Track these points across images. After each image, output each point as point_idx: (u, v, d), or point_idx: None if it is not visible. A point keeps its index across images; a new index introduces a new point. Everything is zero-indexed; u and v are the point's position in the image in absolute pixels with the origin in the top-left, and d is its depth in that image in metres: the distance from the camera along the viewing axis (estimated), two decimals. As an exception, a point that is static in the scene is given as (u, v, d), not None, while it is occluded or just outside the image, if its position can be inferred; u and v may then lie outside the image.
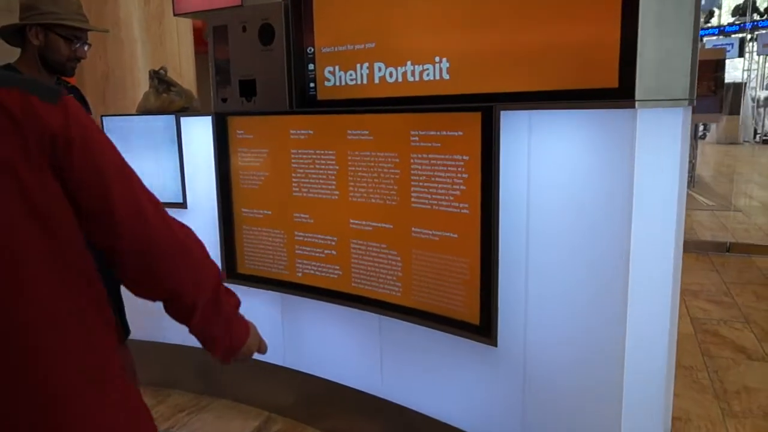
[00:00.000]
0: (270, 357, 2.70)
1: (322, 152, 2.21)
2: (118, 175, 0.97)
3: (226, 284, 1.12)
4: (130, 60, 5.54)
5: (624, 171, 1.55)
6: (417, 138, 1.96)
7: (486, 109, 1.77)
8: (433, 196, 1.95)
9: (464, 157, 1.85)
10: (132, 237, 0.97)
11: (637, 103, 1.47)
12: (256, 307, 2.64)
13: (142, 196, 1.00)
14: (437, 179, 1.93)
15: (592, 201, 1.64)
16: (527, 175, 1.75)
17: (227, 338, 1.12)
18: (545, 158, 1.72)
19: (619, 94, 1.50)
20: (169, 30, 5.88)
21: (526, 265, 1.81)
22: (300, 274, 2.44)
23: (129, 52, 5.47)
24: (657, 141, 1.63)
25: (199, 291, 1.05)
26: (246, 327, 1.17)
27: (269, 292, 2.56)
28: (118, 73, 5.30)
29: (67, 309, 0.94)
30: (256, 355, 1.22)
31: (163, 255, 1.01)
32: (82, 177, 0.93)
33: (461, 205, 1.88)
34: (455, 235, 1.92)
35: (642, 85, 1.47)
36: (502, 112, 1.75)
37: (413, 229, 2.03)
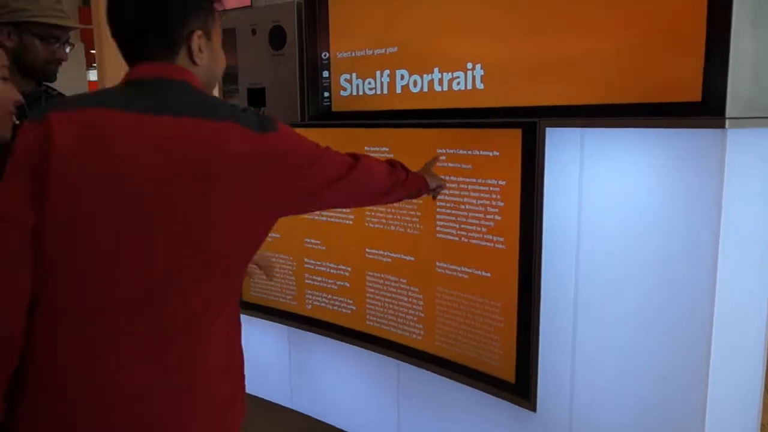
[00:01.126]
0: (276, 396, 2.47)
1: (336, 171, 1.94)
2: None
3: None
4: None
5: (708, 204, 1.23)
6: (444, 158, 1.67)
7: (528, 125, 1.48)
8: (462, 227, 1.65)
9: (500, 182, 1.55)
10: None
11: (727, 122, 1.16)
12: (262, 339, 2.37)
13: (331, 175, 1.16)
14: (467, 207, 1.64)
15: (664, 239, 1.33)
16: (578, 205, 1.45)
17: (415, 192, 1.43)
18: (601, 186, 1.42)
19: (704, 110, 1.19)
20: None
21: (575, 314, 1.50)
22: (309, 307, 2.16)
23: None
24: (752, 167, 1.31)
25: (381, 196, 1.37)
26: (419, 179, 1.42)
27: (276, 324, 2.29)
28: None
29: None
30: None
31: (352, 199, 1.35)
32: None
33: (496, 239, 1.58)
34: (488, 274, 1.62)
35: (734, 100, 1.15)
36: (547, 129, 1.45)
37: (438, 263, 1.73)
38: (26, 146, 0.98)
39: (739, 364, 1.41)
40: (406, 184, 1.38)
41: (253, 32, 2.15)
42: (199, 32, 1.07)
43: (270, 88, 2.15)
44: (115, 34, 1.08)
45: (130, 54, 1.08)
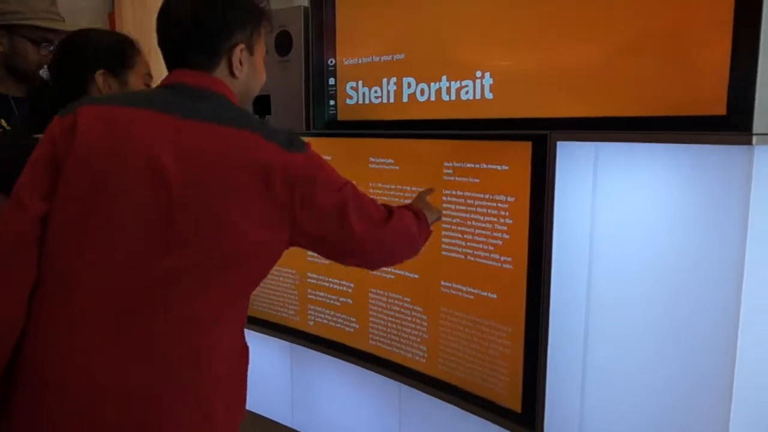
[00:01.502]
0: (278, 415, 2.38)
1: (340, 182, 1.86)
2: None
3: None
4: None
5: (733, 224, 1.12)
6: (451, 171, 1.59)
7: (538, 137, 1.38)
8: (468, 244, 1.56)
9: (509, 198, 1.46)
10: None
11: (754, 138, 1.05)
12: (263, 354, 2.29)
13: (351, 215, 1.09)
14: (474, 223, 1.54)
15: (683, 261, 1.22)
16: (590, 225, 1.35)
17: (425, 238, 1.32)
18: (616, 204, 1.31)
19: (729, 124, 1.08)
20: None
21: (585, 340, 1.40)
22: (312, 323, 2.08)
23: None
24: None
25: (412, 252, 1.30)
26: (427, 230, 1.32)
27: (277, 339, 2.21)
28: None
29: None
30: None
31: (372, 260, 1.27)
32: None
33: (503, 258, 1.49)
34: (494, 295, 1.52)
35: (763, 113, 1.05)
36: (559, 143, 1.36)
37: (443, 282, 1.64)
38: (52, 136, 1.00)
39: (763, 410, 1.29)
40: (423, 230, 1.30)
41: (260, 38, 2.08)
42: (241, 46, 1.08)
43: (275, 95, 2.08)
44: (161, 42, 1.09)
45: (172, 60, 1.09)
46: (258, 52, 1.15)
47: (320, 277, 2.00)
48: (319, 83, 1.95)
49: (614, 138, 1.29)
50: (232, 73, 1.09)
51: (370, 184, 1.79)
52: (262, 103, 2.11)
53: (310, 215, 1.04)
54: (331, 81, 1.92)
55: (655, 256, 1.26)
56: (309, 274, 2.04)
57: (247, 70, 1.12)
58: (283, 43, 2.02)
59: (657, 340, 1.29)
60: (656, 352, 1.29)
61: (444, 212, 1.57)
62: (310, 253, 2.00)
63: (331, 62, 1.91)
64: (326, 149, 1.87)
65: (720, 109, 1.09)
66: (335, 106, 1.93)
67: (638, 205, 1.28)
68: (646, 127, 1.23)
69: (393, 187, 1.74)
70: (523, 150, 1.41)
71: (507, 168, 1.47)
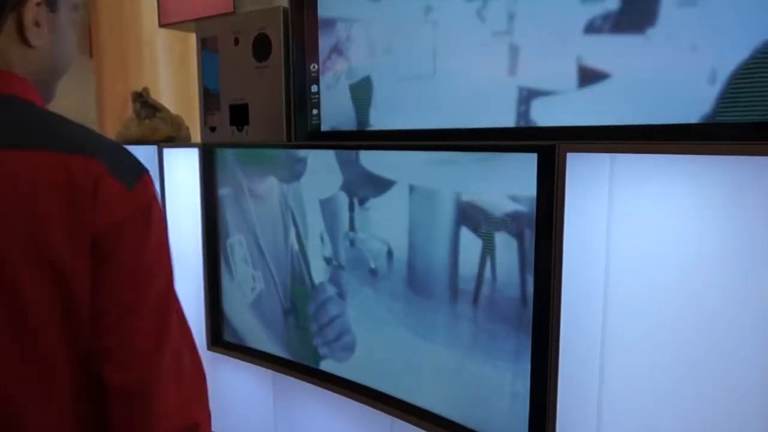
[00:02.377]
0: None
1: (324, 199, 1.70)
2: None
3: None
4: (152, 82, 5.19)
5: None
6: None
7: (545, 149, 1.23)
8: (467, 268, 1.40)
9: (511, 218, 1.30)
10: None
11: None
12: (245, 383, 2.12)
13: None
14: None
15: (715, 291, 1.06)
16: (605, 249, 1.18)
17: None
18: (637, 225, 1.15)
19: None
20: (194, 49, 5.54)
21: (601, 378, 1.24)
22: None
23: (150, 74, 5.13)
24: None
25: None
26: None
27: (260, 367, 2.04)
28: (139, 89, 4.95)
29: None
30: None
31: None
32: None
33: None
34: (499, 327, 1.36)
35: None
36: (569, 155, 1.20)
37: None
38: None
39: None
40: None
41: (236, 42, 1.92)
42: None
43: (253, 104, 1.92)
44: None
45: None
46: (64, 8, 0.78)
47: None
48: (300, 90, 1.79)
49: (636, 150, 1.13)
50: (24, 40, 0.73)
51: (357, 201, 1.63)
52: (240, 113, 1.95)
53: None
54: (314, 88, 1.76)
55: (680, 281, 1.10)
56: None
57: (49, 35, 0.76)
58: (261, 48, 1.86)
59: (681, 382, 1.12)
60: (684, 395, 1.13)
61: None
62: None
63: (314, 68, 1.75)
64: (311, 162, 1.72)
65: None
66: (318, 115, 1.77)
67: (669, 227, 1.11)
68: (671, 136, 1.07)
69: (382, 203, 1.58)
70: (526, 163, 1.25)
71: (510, 183, 1.31)
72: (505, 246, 1.31)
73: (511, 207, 1.29)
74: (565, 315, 1.22)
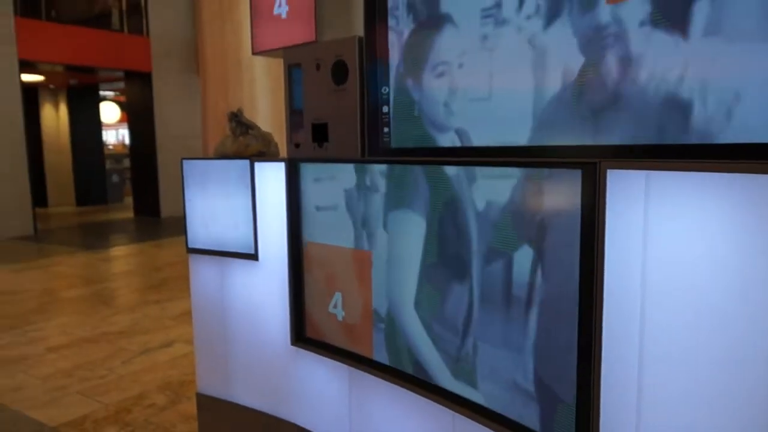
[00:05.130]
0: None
1: (392, 210, 1.86)
2: None
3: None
4: (250, 99, 5.59)
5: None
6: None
7: (588, 166, 1.32)
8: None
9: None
10: None
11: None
12: (321, 379, 2.31)
13: None
14: (523, 254, 1.49)
15: (759, 314, 1.11)
16: (641, 268, 1.26)
17: None
18: (675, 247, 1.21)
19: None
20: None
21: (638, 409, 1.31)
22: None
23: (248, 92, 5.53)
24: None
25: None
26: None
27: (338, 363, 2.23)
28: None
29: None
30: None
31: None
32: None
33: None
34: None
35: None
36: (609, 172, 1.29)
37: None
38: None
39: None
40: None
41: (318, 67, 2.13)
42: None
43: (332, 123, 2.11)
44: None
45: None
46: None
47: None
48: (373, 111, 1.96)
49: (674, 167, 1.20)
50: None
51: (422, 212, 1.78)
52: (321, 131, 2.16)
53: None
54: (385, 109, 1.93)
55: (721, 304, 1.16)
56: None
57: None
58: (339, 72, 2.06)
59: (719, 399, 1.18)
60: (715, 414, 1.18)
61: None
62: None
63: (385, 90, 1.92)
64: (380, 176, 1.88)
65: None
66: (389, 133, 1.93)
67: (711, 248, 1.17)
68: (708, 153, 1.14)
69: (443, 215, 1.71)
70: (570, 181, 1.35)
71: (555, 197, 1.41)
72: (551, 256, 1.41)
73: (558, 220, 1.40)
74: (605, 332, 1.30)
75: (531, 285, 1.47)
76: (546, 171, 1.42)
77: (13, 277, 7.28)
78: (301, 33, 2.23)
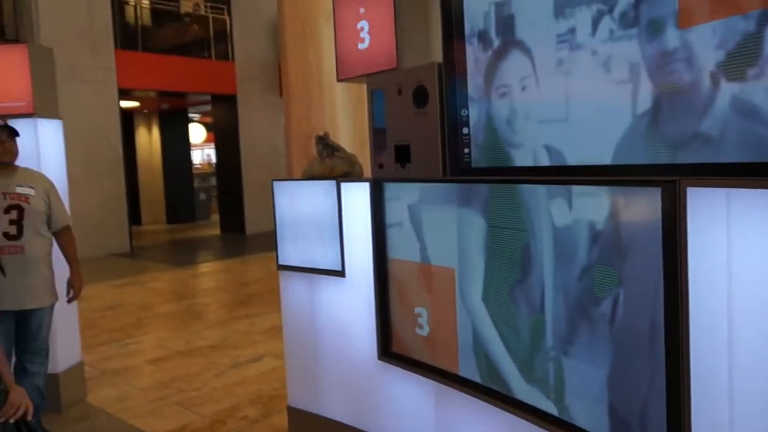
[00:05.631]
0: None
1: (474, 228, 1.93)
2: None
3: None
4: (331, 120, 5.79)
5: None
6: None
7: (668, 184, 1.35)
8: (600, 292, 1.54)
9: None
10: None
11: None
12: (407, 394, 2.39)
13: None
14: (604, 271, 1.53)
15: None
16: (727, 287, 1.27)
17: None
18: (761, 265, 1.22)
19: None
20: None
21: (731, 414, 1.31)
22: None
23: (330, 114, 5.73)
24: None
25: None
26: None
27: (423, 378, 2.30)
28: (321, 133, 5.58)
29: None
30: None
31: None
32: None
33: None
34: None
35: None
36: (689, 189, 1.31)
37: (575, 329, 1.63)
38: None
39: None
40: None
41: (399, 92, 2.24)
42: None
43: (414, 144, 2.21)
44: None
45: None
46: None
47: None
48: (453, 132, 2.05)
49: (754, 184, 1.21)
50: None
51: (503, 230, 1.84)
52: (403, 152, 2.26)
53: None
54: (465, 130, 2.01)
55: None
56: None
57: None
58: (420, 97, 2.16)
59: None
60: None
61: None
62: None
63: (464, 113, 2.00)
64: (461, 193, 1.96)
65: None
66: (469, 154, 2.01)
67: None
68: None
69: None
70: (650, 199, 1.38)
71: (635, 217, 1.44)
72: (633, 272, 1.44)
73: (639, 236, 1.43)
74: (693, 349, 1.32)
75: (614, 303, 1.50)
76: (627, 189, 1.46)
77: (114, 293, 7.80)
78: (383, 60, 2.35)
